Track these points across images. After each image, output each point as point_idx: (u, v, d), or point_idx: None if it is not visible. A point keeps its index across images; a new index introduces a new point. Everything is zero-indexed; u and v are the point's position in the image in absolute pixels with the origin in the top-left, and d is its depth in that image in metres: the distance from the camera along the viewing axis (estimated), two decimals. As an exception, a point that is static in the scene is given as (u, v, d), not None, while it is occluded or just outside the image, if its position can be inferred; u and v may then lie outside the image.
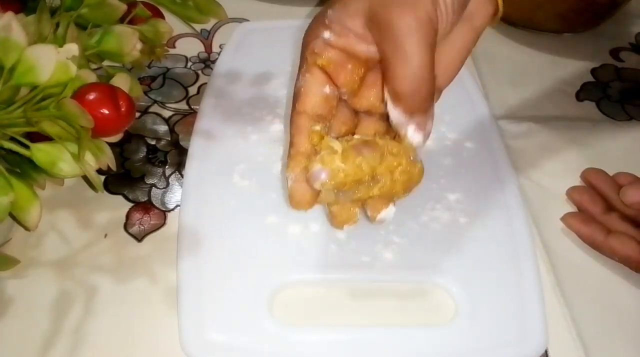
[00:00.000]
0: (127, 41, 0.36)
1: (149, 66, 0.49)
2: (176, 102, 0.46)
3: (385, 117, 0.30)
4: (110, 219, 0.38)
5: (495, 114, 0.46)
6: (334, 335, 0.33)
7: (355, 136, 0.30)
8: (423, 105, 0.28)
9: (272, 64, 0.48)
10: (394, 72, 0.27)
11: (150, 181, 0.41)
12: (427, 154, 0.42)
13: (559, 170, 0.43)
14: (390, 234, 0.37)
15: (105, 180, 0.40)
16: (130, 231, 0.38)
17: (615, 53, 0.54)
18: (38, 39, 0.33)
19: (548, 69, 0.52)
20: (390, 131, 0.30)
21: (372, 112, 0.31)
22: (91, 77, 0.32)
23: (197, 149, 0.41)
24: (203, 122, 0.43)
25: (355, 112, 0.32)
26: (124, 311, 0.34)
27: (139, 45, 0.36)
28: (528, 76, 0.51)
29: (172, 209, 0.39)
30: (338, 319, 0.34)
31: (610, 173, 0.40)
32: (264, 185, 0.39)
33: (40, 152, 0.30)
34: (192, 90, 0.48)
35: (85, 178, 0.31)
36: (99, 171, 0.31)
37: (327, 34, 0.29)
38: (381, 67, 0.28)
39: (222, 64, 0.48)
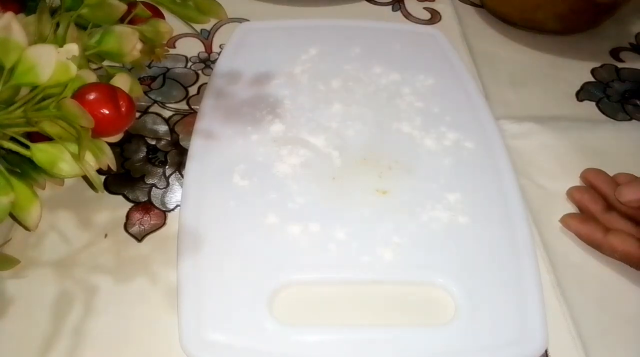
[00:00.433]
0: (127, 41, 0.36)
1: (149, 66, 0.49)
2: (176, 102, 0.46)
3: None
4: (110, 219, 0.38)
5: (495, 114, 0.46)
6: (334, 335, 0.33)
7: None
8: None
9: (272, 64, 0.48)
10: None
11: (150, 181, 0.41)
12: (427, 154, 0.42)
13: (559, 171, 0.43)
14: (390, 234, 0.37)
15: (106, 180, 0.40)
16: (131, 231, 0.38)
17: (615, 53, 0.54)
18: (38, 39, 0.33)
19: (548, 69, 0.52)
20: None
21: None
22: (91, 77, 0.32)
23: (197, 149, 0.41)
24: (203, 122, 0.43)
25: None
26: (124, 311, 0.34)
27: (139, 45, 0.36)
28: (528, 76, 0.51)
29: (172, 209, 0.39)
30: (338, 319, 0.34)
31: (610, 173, 0.40)
32: (264, 185, 0.39)
33: (40, 152, 0.29)
34: (192, 90, 0.48)
35: (85, 178, 0.30)
36: (99, 171, 0.31)
37: None
38: None
39: (222, 64, 0.48)
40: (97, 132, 0.30)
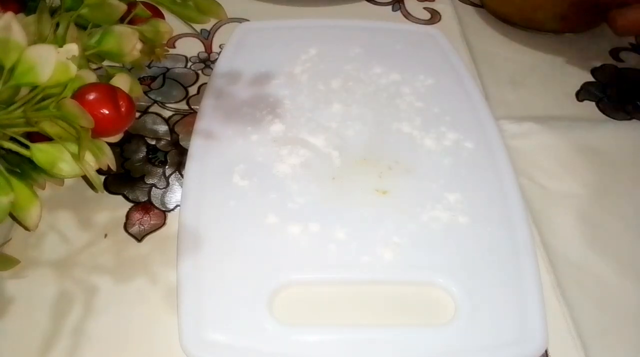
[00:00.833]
0: (127, 41, 0.36)
1: (148, 66, 0.49)
2: (176, 102, 0.46)
3: None
4: (110, 219, 0.38)
5: (495, 114, 0.46)
6: (334, 335, 0.33)
7: None
8: None
9: (272, 64, 0.48)
10: None
11: (150, 181, 0.41)
12: (427, 154, 0.42)
13: (559, 171, 0.43)
14: (390, 234, 0.37)
15: (105, 180, 0.40)
16: (130, 231, 0.38)
17: (615, 53, 0.54)
18: (38, 39, 0.33)
19: (548, 69, 0.52)
20: None
21: None
22: (91, 77, 0.32)
23: (197, 149, 0.41)
24: (203, 122, 0.43)
25: None
26: (124, 311, 0.34)
27: (139, 45, 0.36)
28: (528, 76, 0.51)
29: (172, 209, 0.39)
30: (338, 319, 0.34)
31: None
32: (263, 185, 0.39)
33: (40, 152, 0.29)
34: (192, 90, 0.48)
35: (85, 178, 0.31)
36: (99, 171, 0.31)
37: None
38: None
39: (222, 64, 0.48)
40: (97, 132, 0.30)
